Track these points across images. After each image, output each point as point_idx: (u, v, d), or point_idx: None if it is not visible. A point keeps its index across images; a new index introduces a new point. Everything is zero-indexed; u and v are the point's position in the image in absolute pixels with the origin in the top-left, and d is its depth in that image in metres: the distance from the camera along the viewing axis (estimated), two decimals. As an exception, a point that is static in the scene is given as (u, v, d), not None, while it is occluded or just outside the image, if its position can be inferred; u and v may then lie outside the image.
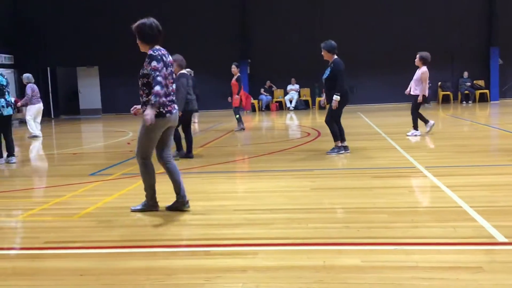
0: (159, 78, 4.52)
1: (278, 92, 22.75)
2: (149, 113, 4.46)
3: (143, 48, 4.81)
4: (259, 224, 4.45)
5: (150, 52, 4.67)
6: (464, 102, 21.09)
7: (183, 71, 8.15)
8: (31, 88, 13.18)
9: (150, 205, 4.95)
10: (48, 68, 23.84)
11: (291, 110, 21.75)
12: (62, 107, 24.90)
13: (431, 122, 10.33)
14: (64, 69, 24.45)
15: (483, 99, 21.28)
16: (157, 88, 4.48)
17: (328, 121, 8.27)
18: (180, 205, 4.92)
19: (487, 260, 3.38)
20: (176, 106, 4.91)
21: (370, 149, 8.85)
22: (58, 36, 23.31)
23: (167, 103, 4.73)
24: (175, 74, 7.50)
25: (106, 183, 6.68)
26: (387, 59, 21.36)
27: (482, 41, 21.51)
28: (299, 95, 22.36)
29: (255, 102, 21.64)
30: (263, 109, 22.21)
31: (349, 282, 3.08)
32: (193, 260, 3.62)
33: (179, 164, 7.81)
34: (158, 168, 5.02)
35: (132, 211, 4.96)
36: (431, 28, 21.38)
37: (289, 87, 22.30)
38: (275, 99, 22.60)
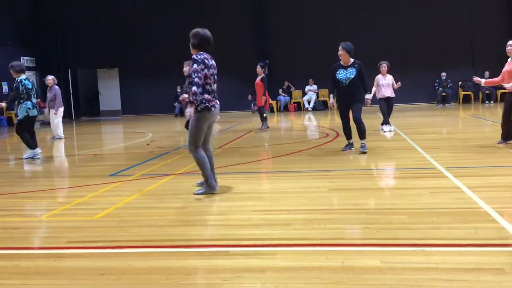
0: (196, 80, 5.29)
1: (296, 93, 22.72)
2: (188, 110, 5.58)
3: (192, 51, 5.50)
4: (277, 224, 4.45)
5: (193, 56, 5.41)
6: (487, 102, 20.81)
7: None
8: (59, 90, 13.38)
9: (209, 188, 5.67)
10: (69, 70, 24.17)
11: (309, 110, 21.70)
12: (83, 108, 25.27)
13: (392, 128, 11.68)
14: (85, 71, 24.78)
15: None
16: (194, 88, 5.32)
17: (359, 118, 8.46)
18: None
19: (509, 261, 3.34)
20: (218, 102, 5.64)
21: (389, 150, 8.80)
22: (78, 39, 23.64)
23: (211, 98, 5.49)
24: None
25: (126, 184, 6.74)
26: (405, 59, 21.16)
27: (503, 41, 21.07)
28: (318, 96, 22.30)
29: (273, 102, 21.64)
30: (281, 109, 22.20)
31: (368, 283, 3.06)
32: (212, 260, 3.64)
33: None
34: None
35: (194, 194, 5.65)
36: (451, 28, 21.14)
37: (307, 87, 22.25)
38: (293, 100, 22.58)
